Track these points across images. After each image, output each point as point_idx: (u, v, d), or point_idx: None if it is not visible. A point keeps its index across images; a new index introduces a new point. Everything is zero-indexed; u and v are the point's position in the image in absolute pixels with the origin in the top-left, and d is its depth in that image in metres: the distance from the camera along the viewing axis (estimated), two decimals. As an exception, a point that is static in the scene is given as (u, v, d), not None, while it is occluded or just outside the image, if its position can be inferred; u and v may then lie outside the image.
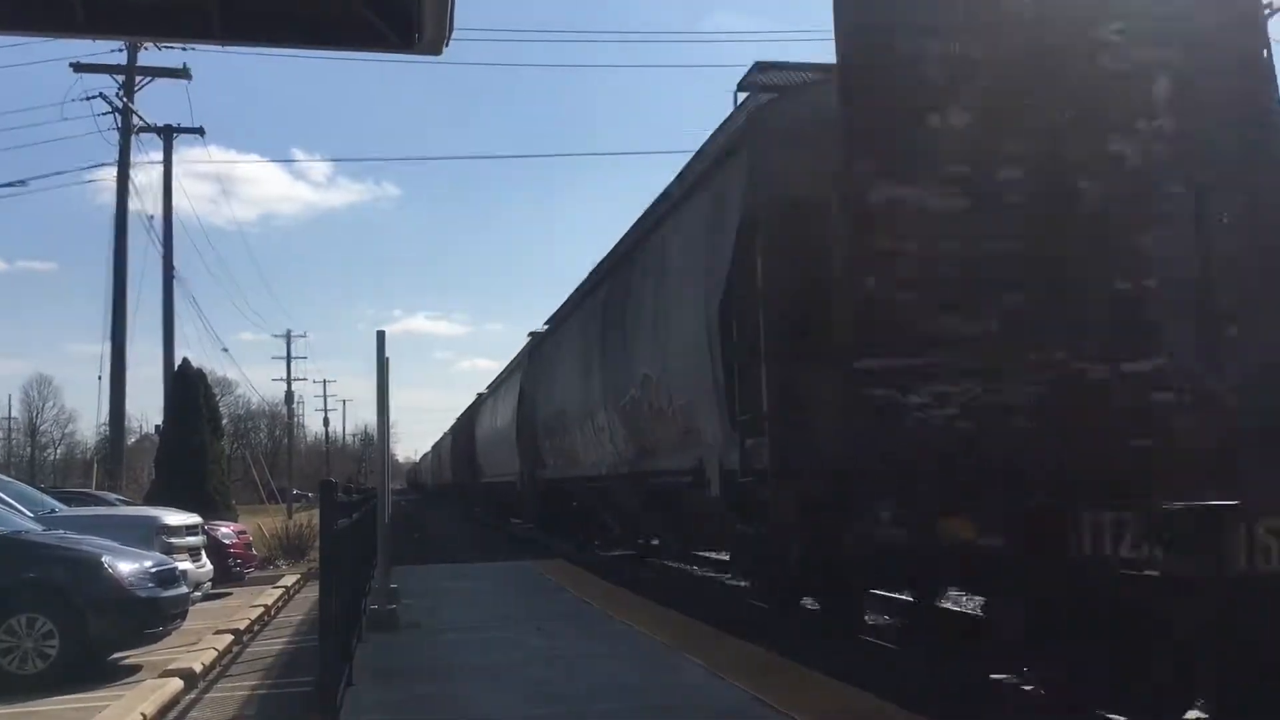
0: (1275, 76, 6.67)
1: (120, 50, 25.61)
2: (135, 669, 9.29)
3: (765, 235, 8.05)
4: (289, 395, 63.33)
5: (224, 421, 36.01)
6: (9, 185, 26.47)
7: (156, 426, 27.17)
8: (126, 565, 9.27)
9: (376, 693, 6.79)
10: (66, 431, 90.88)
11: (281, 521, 26.59)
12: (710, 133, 10.44)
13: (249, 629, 11.64)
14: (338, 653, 6.39)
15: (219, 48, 20.31)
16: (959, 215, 6.42)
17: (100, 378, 25.29)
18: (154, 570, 9.57)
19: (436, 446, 66.77)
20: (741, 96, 9.12)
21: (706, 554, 16.80)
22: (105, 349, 24.94)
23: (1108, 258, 6.44)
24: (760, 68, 8.78)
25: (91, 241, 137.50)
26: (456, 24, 5.04)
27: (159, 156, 27.51)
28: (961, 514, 5.92)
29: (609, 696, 6.45)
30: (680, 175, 11.77)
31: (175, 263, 26.92)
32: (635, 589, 12.55)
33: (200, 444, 22.02)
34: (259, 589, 15.75)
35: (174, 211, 27.10)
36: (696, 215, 10.58)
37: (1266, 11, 7.42)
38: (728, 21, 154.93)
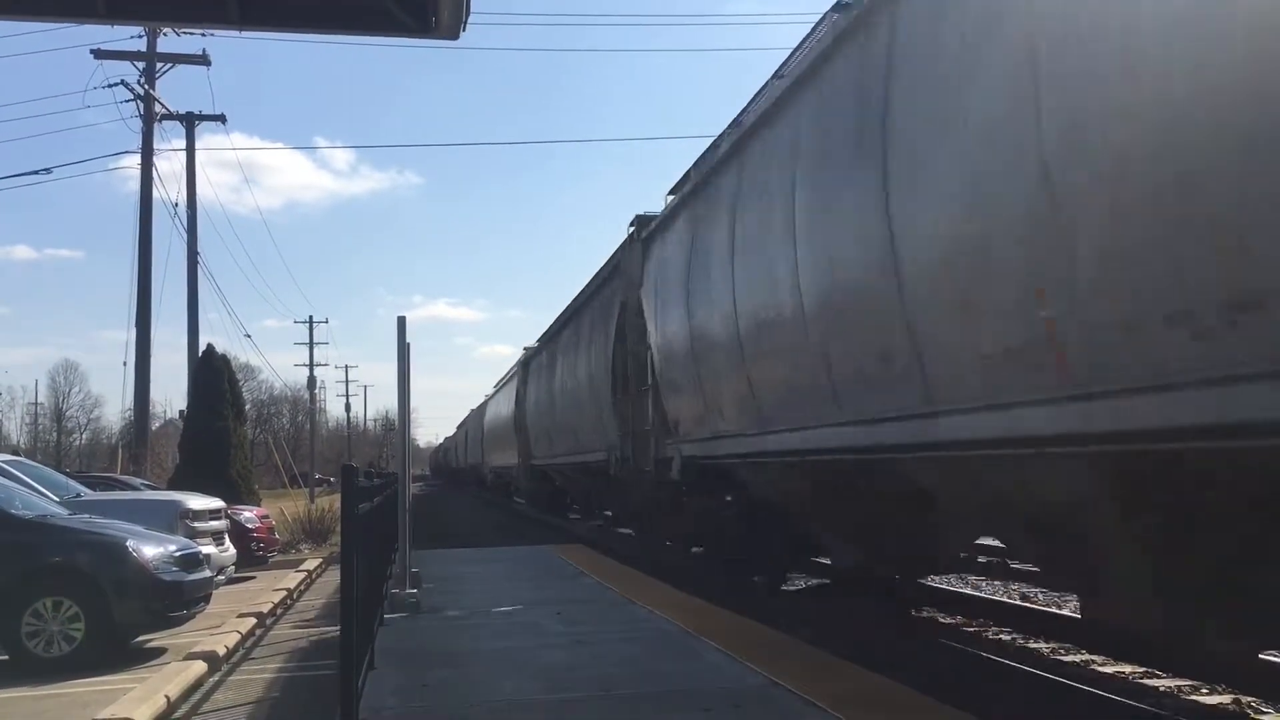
0: None
1: (140, 37, 25.80)
2: (159, 652, 9.39)
3: None
4: (311, 381, 63.65)
5: (247, 407, 36.26)
6: (34, 173, 26.83)
7: (181, 411, 27.44)
8: (151, 549, 9.35)
9: (398, 676, 6.83)
10: (92, 417, 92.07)
11: (304, 506, 26.79)
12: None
13: (271, 612, 11.74)
14: (359, 636, 6.42)
15: (237, 34, 20.40)
16: None
17: (125, 364, 25.62)
18: (178, 554, 9.65)
19: (463, 424, 65.57)
20: None
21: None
22: (131, 335, 25.24)
23: None
24: None
25: (119, 229, 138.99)
26: (473, 9, 5.03)
27: (182, 144, 27.75)
28: None
29: (629, 680, 6.46)
30: None
31: (199, 250, 27.16)
32: (653, 573, 12.56)
33: (224, 429, 22.20)
34: (281, 573, 15.88)
35: (198, 199, 27.36)
36: None
37: None
38: (747, 6, 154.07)
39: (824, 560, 11.77)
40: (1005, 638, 9.55)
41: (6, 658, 8.87)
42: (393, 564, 11.07)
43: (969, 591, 11.98)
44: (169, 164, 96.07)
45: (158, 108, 26.28)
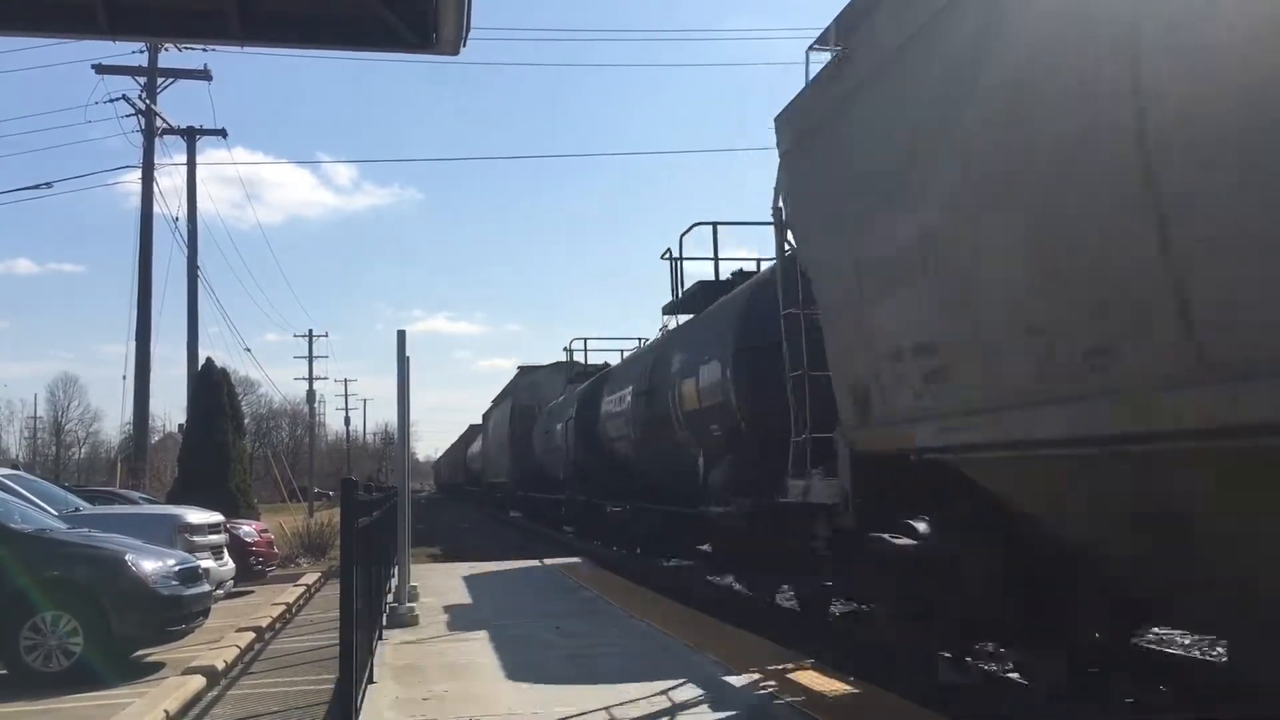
0: None
1: (141, 52, 25.87)
2: (158, 666, 9.36)
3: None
4: (310, 394, 63.52)
5: (246, 421, 36.24)
6: (35, 187, 26.90)
7: (180, 425, 27.40)
8: (150, 563, 9.33)
9: (397, 690, 6.82)
10: (91, 430, 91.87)
11: (303, 520, 26.75)
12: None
13: (270, 626, 11.71)
14: (358, 650, 6.42)
15: (239, 49, 20.46)
16: None
17: (125, 377, 25.57)
18: (177, 568, 9.63)
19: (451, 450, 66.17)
20: None
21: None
22: (130, 349, 25.22)
23: None
24: None
25: (120, 244, 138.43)
26: (474, 24, 5.06)
27: (183, 159, 27.80)
28: None
29: (629, 695, 6.45)
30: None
31: (200, 264, 27.19)
32: (653, 587, 12.54)
33: (223, 443, 22.18)
34: (280, 587, 15.83)
35: (199, 214, 27.39)
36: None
37: None
38: (747, 22, 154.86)
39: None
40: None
41: (5, 672, 8.84)
42: (392, 577, 11.06)
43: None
44: (170, 179, 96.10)
45: (159, 122, 26.34)
